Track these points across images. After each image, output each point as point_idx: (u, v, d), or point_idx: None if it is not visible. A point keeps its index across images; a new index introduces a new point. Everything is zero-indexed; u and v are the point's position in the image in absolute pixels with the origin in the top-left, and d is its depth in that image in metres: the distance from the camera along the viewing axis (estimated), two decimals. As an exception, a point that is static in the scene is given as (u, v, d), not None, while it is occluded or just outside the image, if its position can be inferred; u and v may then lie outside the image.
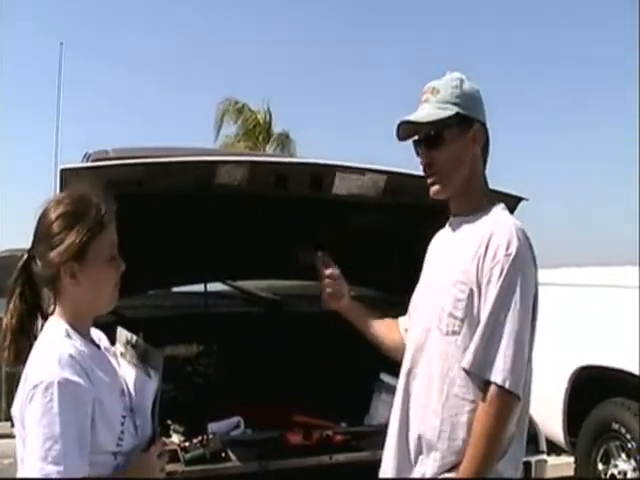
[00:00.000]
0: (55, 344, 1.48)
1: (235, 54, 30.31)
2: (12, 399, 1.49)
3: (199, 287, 3.49)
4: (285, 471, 2.42)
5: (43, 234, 1.53)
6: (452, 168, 1.78)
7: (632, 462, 4.04)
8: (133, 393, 1.65)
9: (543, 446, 2.71)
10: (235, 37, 31.67)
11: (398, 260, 3.18)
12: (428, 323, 1.76)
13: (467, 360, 1.66)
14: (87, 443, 1.43)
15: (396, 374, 2.90)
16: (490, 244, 1.66)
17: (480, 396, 1.64)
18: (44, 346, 1.50)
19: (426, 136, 1.79)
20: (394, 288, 3.51)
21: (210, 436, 2.47)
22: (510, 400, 1.63)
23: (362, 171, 2.70)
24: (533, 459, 2.59)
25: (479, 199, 1.81)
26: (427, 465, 1.71)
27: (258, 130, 21.12)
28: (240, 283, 3.76)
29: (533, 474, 2.57)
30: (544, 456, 2.69)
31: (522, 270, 1.65)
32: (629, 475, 4.06)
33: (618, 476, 4.13)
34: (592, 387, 4.25)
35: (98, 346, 1.63)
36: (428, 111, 1.77)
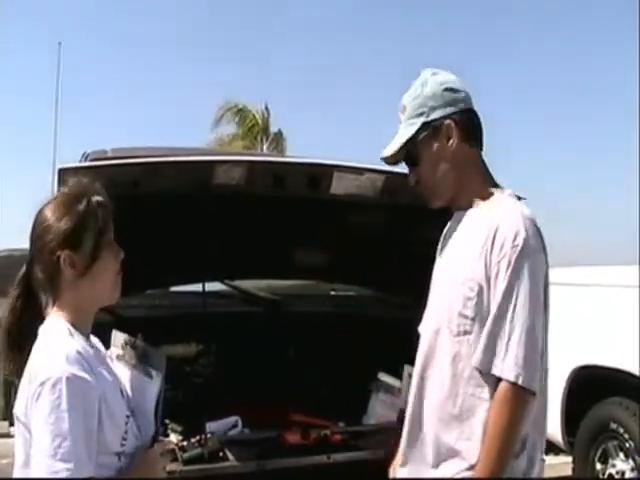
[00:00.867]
0: (60, 342, 1.47)
1: (235, 54, 30.37)
2: (10, 399, 1.48)
3: (197, 287, 3.49)
4: (283, 470, 2.43)
5: (39, 230, 1.53)
6: (437, 176, 1.79)
7: (630, 462, 4.02)
8: (130, 395, 1.65)
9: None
10: (235, 37, 31.71)
11: (396, 260, 3.19)
12: (438, 324, 1.73)
13: (478, 358, 1.63)
14: (95, 441, 1.42)
15: (394, 374, 2.93)
16: (497, 237, 1.64)
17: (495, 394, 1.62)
18: (48, 344, 1.48)
19: (405, 159, 1.84)
20: (392, 288, 3.53)
21: (208, 435, 2.47)
22: (524, 396, 1.59)
23: (360, 171, 2.69)
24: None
25: (479, 189, 1.78)
26: (447, 469, 1.68)
27: (257, 130, 21.61)
28: (238, 283, 3.75)
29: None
30: (542, 455, 2.69)
31: (530, 261, 1.62)
32: (627, 475, 4.05)
33: (616, 476, 4.11)
34: (590, 387, 4.23)
35: (96, 348, 1.63)
36: (398, 137, 1.81)
